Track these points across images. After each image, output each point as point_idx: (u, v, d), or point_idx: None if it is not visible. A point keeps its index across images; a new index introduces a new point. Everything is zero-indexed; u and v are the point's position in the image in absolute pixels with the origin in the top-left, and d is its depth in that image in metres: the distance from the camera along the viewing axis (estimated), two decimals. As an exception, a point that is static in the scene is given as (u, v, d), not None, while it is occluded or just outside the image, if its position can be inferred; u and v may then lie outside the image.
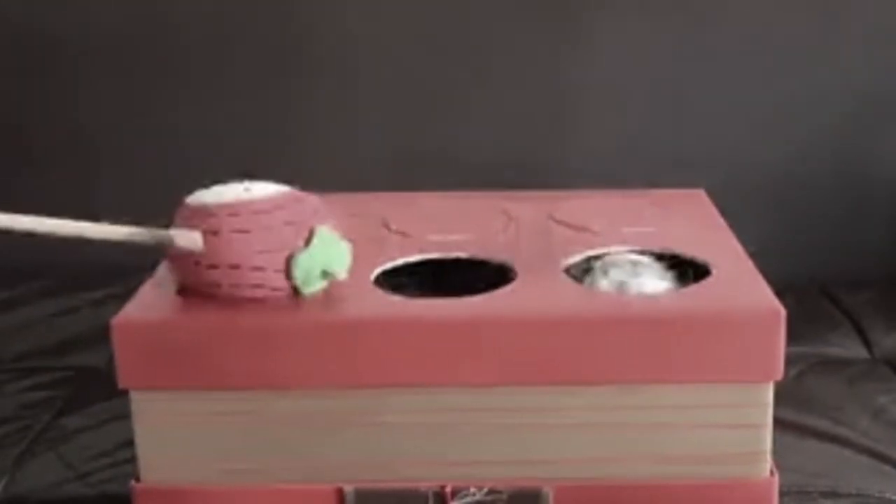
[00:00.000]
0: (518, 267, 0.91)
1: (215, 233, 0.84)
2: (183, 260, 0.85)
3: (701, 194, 1.10)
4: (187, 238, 0.84)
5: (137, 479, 0.86)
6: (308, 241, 0.85)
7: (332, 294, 0.87)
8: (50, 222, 0.83)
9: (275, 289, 0.85)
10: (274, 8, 1.50)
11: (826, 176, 1.50)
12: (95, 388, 1.19)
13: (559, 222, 1.01)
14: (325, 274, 0.86)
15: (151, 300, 0.88)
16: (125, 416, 0.86)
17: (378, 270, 0.92)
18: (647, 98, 1.49)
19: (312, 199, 0.88)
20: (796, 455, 1.04)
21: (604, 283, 0.88)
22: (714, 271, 0.89)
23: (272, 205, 0.85)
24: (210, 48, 1.50)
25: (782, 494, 0.86)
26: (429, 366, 0.83)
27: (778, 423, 0.85)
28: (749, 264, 0.91)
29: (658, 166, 1.43)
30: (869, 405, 1.17)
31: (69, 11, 1.49)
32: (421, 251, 0.96)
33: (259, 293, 0.85)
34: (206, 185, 0.87)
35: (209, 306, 0.86)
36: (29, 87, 1.51)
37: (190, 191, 0.87)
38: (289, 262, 0.84)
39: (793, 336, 0.83)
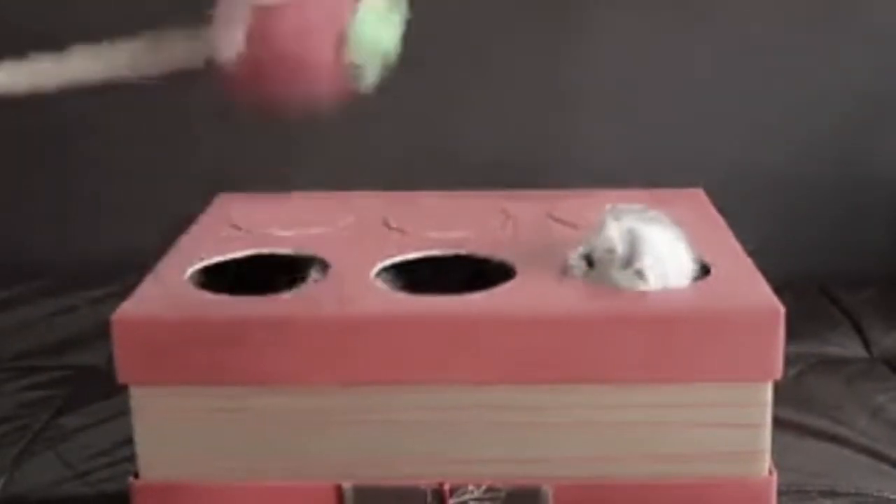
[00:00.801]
0: (517, 265, 0.91)
1: (254, 30, 0.76)
2: (228, 69, 0.77)
3: (700, 194, 1.10)
4: (227, 43, 0.76)
5: (136, 476, 0.86)
6: (355, 14, 0.78)
7: (331, 291, 0.87)
8: (56, 67, 0.76)
9: (331, 80, 0.78)
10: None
11: (825, 175, 1.50)
12: (94, 387, 1.19)
13: (558, 221, 1.01)
14: (378, 52, 0.79)
15: (151, 296, 0.88)
16: (124, 414, 0.87)
17: (378, 267, 0.92)
18: (647, 98, 1.49)
19: None
20: (795, 454, 1.04)
21: (613, 227, 0.87)
22: (713, 270, 0.89)
23: None
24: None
25: (781, 493, 0.86)
26: (428, 363, 0.83)
27: (777, 422, 0.85)
28: (748, 263, 0.91)
29: (657, 166, 1.43)
30: (868, 404, 1.17)
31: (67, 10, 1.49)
32: (420, 249, 0.96)
33: (315, 87, 0.78)
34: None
35: (209, 303, 0.86)
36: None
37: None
38: (340, 43, 0.77)
39: (792, 335, 0.83)
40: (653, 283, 0.86)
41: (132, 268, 0.96)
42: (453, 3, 1.49)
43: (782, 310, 0.82)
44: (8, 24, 1.49)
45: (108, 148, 1.53)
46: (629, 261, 0.86)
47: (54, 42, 1.46)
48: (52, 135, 1.48)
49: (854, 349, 1.31)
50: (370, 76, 0.80)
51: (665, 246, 0.87)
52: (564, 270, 0.89)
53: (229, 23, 0.78)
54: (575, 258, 0.89)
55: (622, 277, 0.86)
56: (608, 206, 0.90)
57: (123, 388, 0.85)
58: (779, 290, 0.85)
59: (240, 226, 1.02)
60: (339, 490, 0.85)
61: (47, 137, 1.50)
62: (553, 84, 1.50)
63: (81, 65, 0.78)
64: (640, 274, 0.86)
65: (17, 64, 0.76)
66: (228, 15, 0.78)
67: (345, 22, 0.78)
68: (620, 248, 0.87)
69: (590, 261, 0.88)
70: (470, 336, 0.82)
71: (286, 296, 0.86)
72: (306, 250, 0.95)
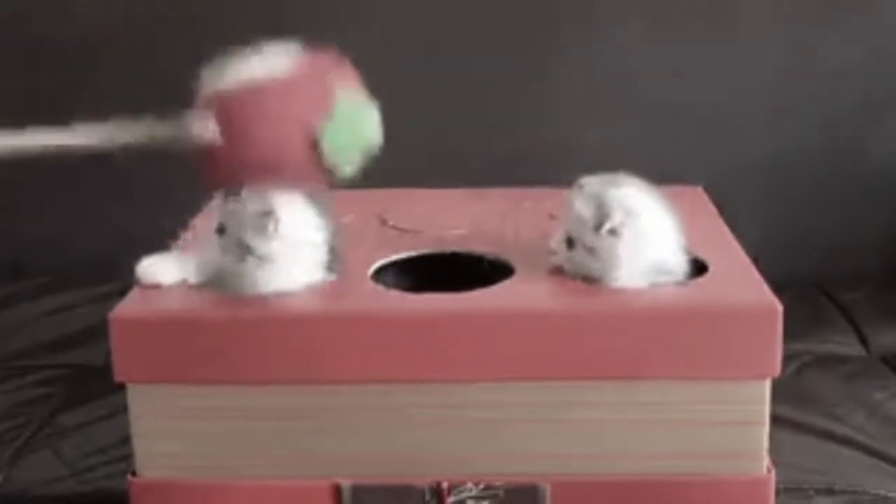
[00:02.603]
0: (515, 263, 0.91)
1: (230, 117, 0.78)
2: (203, 150, 0.79)
3: (699, 192, 1.10)
4: (204, 124, 0.78)
5: (134, 474, 0.86)
6: (332, 108, 0.79)
7: (329, 289, 0.87)
8: (51, 135, 0.78)
9: (304, 171, 0.79)
10: (274, 7, 1.50)
11: (823, 174, 1.50)
12: (92, 385, 1.19)
13: (557, 218, 1.01)
14: (356, 145, 0.80)
15: (149, 294, 0.87)
16: (121, 413, 0.86)
17: (375, 265, 0.92)
18: (646, 97, 1.49)
19: (330, 60, 0.81)
20: (793, 452, 1.04)
21: (579, 198, 0.86)
22: (711, 268, 0.89)
23: (287, 77, 0.78)
24: (212, 43, 1.50)
25: (778, 491, 0.86)
26: (426, 361, 0.83)
27: (774, 419, 0.85)
28: (746, 261, 0.91)
29: (656, 164, 1.43)
30: (865, 402, 1.17)
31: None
32: (418, 247, 0.96)
33: (287, 176, 0.79)
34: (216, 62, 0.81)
35: (207, 301, 0.86)
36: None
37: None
38: (315, 136, 0.78)
39: (790, 333, 0.83)
40: (628, 238, 0.85)
41: (130, 266, 0.96)
42: (455, 3, 1.49)
43: (780, 308, 0.82)
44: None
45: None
46: (599, 222, 0.85)
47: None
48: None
49: (852, 347, 1.31)
50: (349, 168, 0.81)
51: (637, 203, 0.86)
52: (551, 262, 0.88)
53: (205, 109, 0.79)
54: (555, 244, 0.88)
55: (598, 243, 0.85)
56: (574, 185, 0.89)
57: (121, 387, 0.85)
58: (777, 287, 0.85)
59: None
60: (337, 488, 0.85)
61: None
62: (553, 83, 1.50)
63: (69, 137, 0.79)
64: (613, 232, 0.85)
65: (13, 133, 0.78)
66: (205, 102, 0.79)
67: (319, 116, 0.78)
68: (588, 214, 0.85)
69: (569, 242, 0.87)
70: (468, 334, 0.82)
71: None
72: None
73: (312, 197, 0.85)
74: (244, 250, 0.83)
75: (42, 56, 1.49)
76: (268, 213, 0.82)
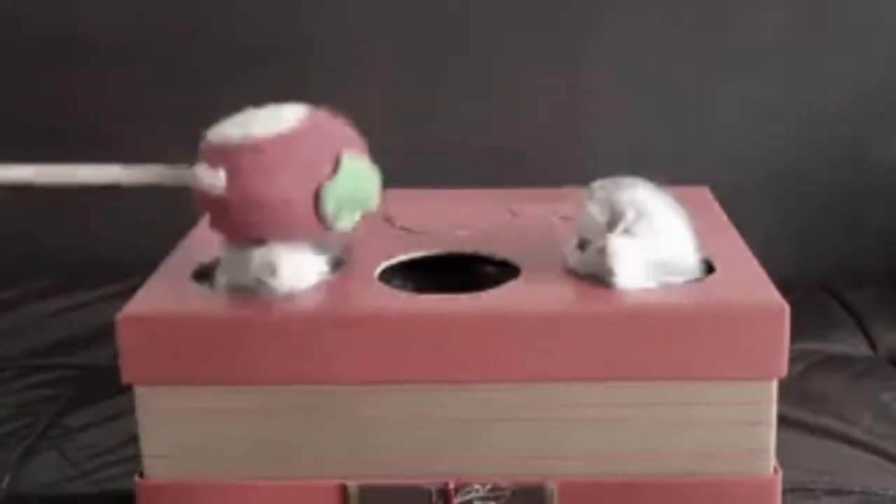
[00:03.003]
0: (522, 264, 0.91)
1: (237, 170, 0.79)
2: (209, 200, 0.81)
3: (705, 192, 1.10)
4: (210, 176, 0.80)
5: (141, 475, 0.87)
6: (335, 170, 0.81)
7: (336, 289, 0.87)
8: (65, 170, 0.80)
9: (306, 226, 0.81)
10: (282, 5, 1.50)
11: (830, 173, 1.49)
12: (99, 386, 1.19)
13: (564, 220, 1.01)
14: (355, 204, 0.82)
15: (157, 295, 0.88)
16: (128, 413, 0.87)
17: (382, 266, 0.92)
18: (652, 96, 1.49)
19: (337, 123, 0.83)
20: (800, 452, 1.03)
21: (591, 202, 0.87)
22: (718, 268, 0.89)
23: (294, 136, 0.80)
24: (218, 45, 1.50)
25: (786, 492, 0.86)
26: (433, 362, 0.83)
27: (782, 420, 0.85)
28: (753, 261, 0.91)
29: (662, 164, 1.43)
30: (872, 402, 1.16)
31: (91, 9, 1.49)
32: (425, 247, 0.96)
33: (290, 231, 0.82)
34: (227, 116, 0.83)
35: (214, 300, 0.86)
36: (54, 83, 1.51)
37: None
38: (317, 194, 0.80)
39: (796, 333, 0.83)
40: (643, 237, 0.85)
41: (137, 266, 0.96)
42: (464, 5, 1.49)
43: (787, 308, 0.82)
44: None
45: (113, 146, 1.53)
46: (612, 224, 0.85)
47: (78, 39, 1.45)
48: (56, 132, 1.48)
49: (859, 347, 1.31)
50: (346, 224, 0.83)
51: (650, 204, 0.86)
52: (563, 265, 0.89)
53: (213, 162, 0.81)
54: (569, 249, 0.88)
55: (610, 244, 0.85)
56: (586, 188, 0.89)
57: (129, 387, 0.86)
58: (784, 287, 0.85)
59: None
60: (343, 489, 0.85)
61: (52, 134, 1.50)
62: (559, 82, 1.50)
63: (77, 176, 0.82)
64: (627, 233, 0.85)
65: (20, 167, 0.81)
66: (214, 154, 0.81)
67: (325, 175, 0.81)
68: (600, 216, 0.86)
69: (581, 244, 0.87)
70: (475, 335, 0.82)
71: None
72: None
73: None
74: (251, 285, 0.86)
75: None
76: (269, 265, 0.84)
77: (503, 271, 0.91)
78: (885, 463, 1.06)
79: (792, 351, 0.83)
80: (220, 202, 0.81)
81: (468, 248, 0.96)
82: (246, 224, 0.82)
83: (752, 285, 0.86)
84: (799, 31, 1.48)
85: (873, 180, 1.50)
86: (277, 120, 0.82)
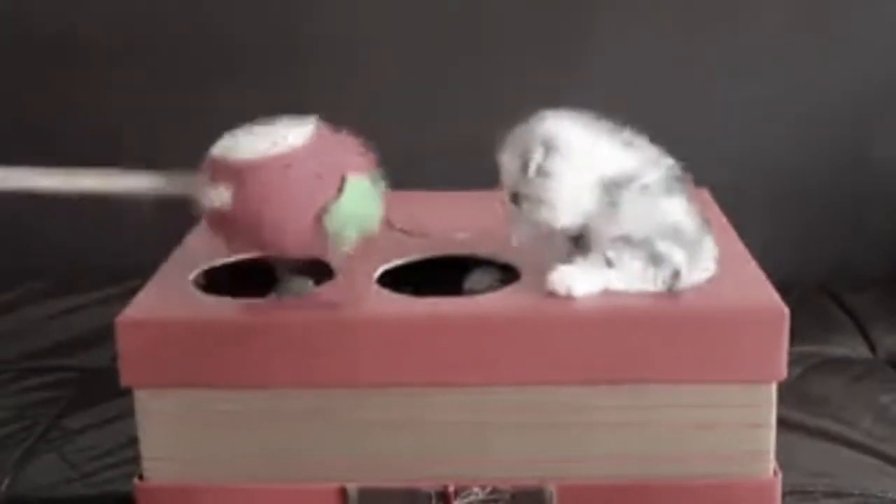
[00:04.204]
0: (522, 267, 0.91)
1: (242, 189, 0.79)
2: (213, 216, 0.82)
3: (705, 194, 1.10)
4: (216, 194, 0.80)
5: (141, 478, 0.87)
6: (340, 191, 0.80)
7: (335, 293, 0.87)
8: (70, 178, 0.80)
9: (306, 246, 0.81)
10: (282, 7, 1.50)
11: (830, 176, 1.49)
12: (98, 388, 1.19)
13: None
14: (357, 225, 0.82)
15: (156, 299, 0.88)
16: (128, 415, 0.87)
17: (382, 269, 0.92)
18: (652, 98, 1.49)
19: (344, 142, 0.83)
20: (799, 454, 1.04)
21: (506, 146, 0.85)
22: (718, 271, 0.89)
23: (300, 156, 0.80)
24: (218, 45, 1.50)
25: (785, 494, 0.86)
26: (433, 365, 0.83)
27: (781, 422, 0.85)
28: (753, 265, 0.91)
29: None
30: (872, 405, 1.16)
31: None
32: (425, 250, 0.96)
33: (290, 250, 0.82)
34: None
35: (213, 305, 0.86)
36: (55, 86, 1.51)
37: None
38: (320, 215, 0.80)
39: (796, 336, 0.83)
40: (559, 174, 0.82)
41: (135, 269, 0.96)
42: (463, 5, 1.49)
43: (786, 310, 0.82)
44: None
45: (113, 150, 1.53)
46: (525, 164, 0.82)
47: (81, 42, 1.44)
48: (57, 136, 1.48)
49: (858, 350, 1.31)
50: (346, 244, 0.82)
51: (562, 134, 0.83)
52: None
53: (218, 177, 0.81)
54: (504, 205, 0.86)
55: (527, 188, 0.83)
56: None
57: (128, 389, 0.85)
58: (783, 290, 0.85)
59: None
60: (343, 492, 0.85)
61: (52, 134, 1.50)
62: (559, 83, 1.50)
63: (85, 182, 0.82)
64: (540, 172, 0.82)
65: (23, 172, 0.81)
66: (220, 170, 0.81)
67: (329, 196, 0.80)
68: (515, 161, 0.83)
69: (514, 198, 0.85)
70: (475, 338, 0.82)
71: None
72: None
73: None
74: None
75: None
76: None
77: (503, 274, 0.91)
78: (884, 465, 1.06)
79: (791, 353, 0.83)
80: (225, 217, 0.81)
81: (467, 251, 0.96)
82: (248, 240, 0.82)
83: (752, 288, 0.86)
84: (799, 32, 1.48)
85: (873, 183, 1.50)
86: (283, 137, 0.81)
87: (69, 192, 0.81)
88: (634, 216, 0.83)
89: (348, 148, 0.83)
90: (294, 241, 0.81)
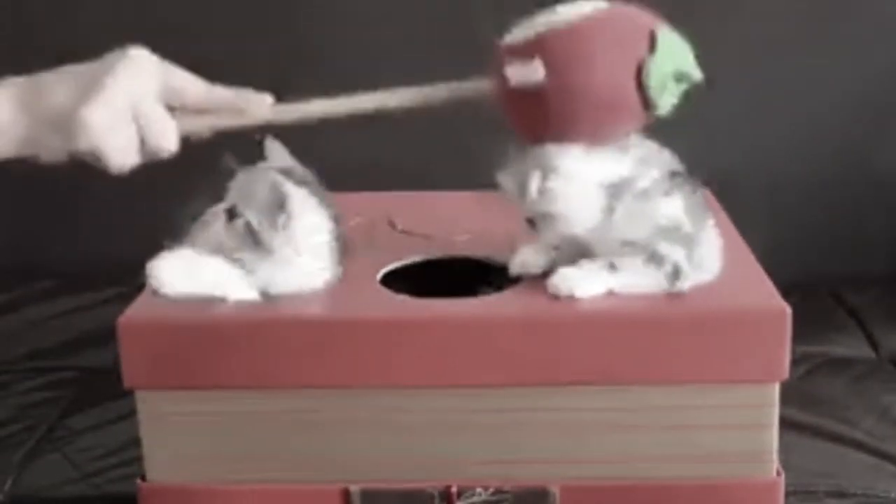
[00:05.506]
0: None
1: (557, 57, 0.77)
2: (518, 99, 0.79)
3: (707, 194, 1.09)
4: (525, 70, 0.78)
5: (143, 479, 0.87)
6: (652, 48, 0.79)
7: (338, 293, 0.87)
8: (367, 98, 0.81)
9: (631, 109, 0.79)
10: (282, 8, 1.50)
11: (832, 176, 1.49)
12: (101, 389, 1.19)
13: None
14: (679, 78, 0.80)
15: (158, 300, 0.87)
16: (130, 416, 0.87)
17: (384, 270, 0.92)
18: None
19: (638, 8, 0.81)
20: (802, 455, 1.04)
21: (504, 173, 0.85)
22: (720, 271, 0.89)
23: (605, 17, 0.79)
24: (219, 45, 1.50)
25: (788, 494, 0.86)
26: (435, 366, 0.83)
27: (784, 423, 0.85)
28: (755, 265, 0.91)
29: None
30: (874, 405, 1.16)
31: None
32: (426, 251, 0.96)
33: (615, 115, 0.80)
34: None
35: (215, 306, 0.86)
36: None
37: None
38: (640, 71, 0.78)
39: (798, 336, 0.83)
40: (560, 187, 0.82)
41: (137, 269, 0.96)
42: (464, 4, 1.49)
43: (789, 311, 0.82)
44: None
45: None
46: (524, 189, 0.82)
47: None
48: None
49: (860, 350, 1.31)
50: (670, 100, 0.81)
51: (556, 156, 0.82)
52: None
53: (525, 55, 0.79)
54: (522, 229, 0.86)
55: (535, 208, 0.83)
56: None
57: (130, 390, 0.85)
58: (785, 291, 0.85)
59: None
60: (346, 493, 0.85)
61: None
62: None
63: (384, 100, 0.83)
64: (541, 191, 0.82)
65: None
66: (524, 48, 0.79)
67: (643, 52, 0.79)
68: (513, 184, 0.83)
69: (530, 222, 0.85)
70: (477, 339, 0.82)
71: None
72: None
73: (322, 196, 0.87)
74: (252, 238, 0.84)
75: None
76: (281, 207, 0.83)
77: (504, 276, 0.91)
78: (886, 465, 1.06)
79: (794, 354, 0.83)
80: (535, 97, 0.79)
81: (469, 252, 0.96)
82: (565, 114, 0.79)
83: (754, 288, 0.86)
84: (800, 34, 1.48)
85: (876, 182, 1.50)
86: (581, 6, 0.80)
87: (373, 110, 0.81)
88: (633, 221, 0.83)
89: (643, 12, 0.81)
90: (618, 106, 0.79)
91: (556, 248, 0.87)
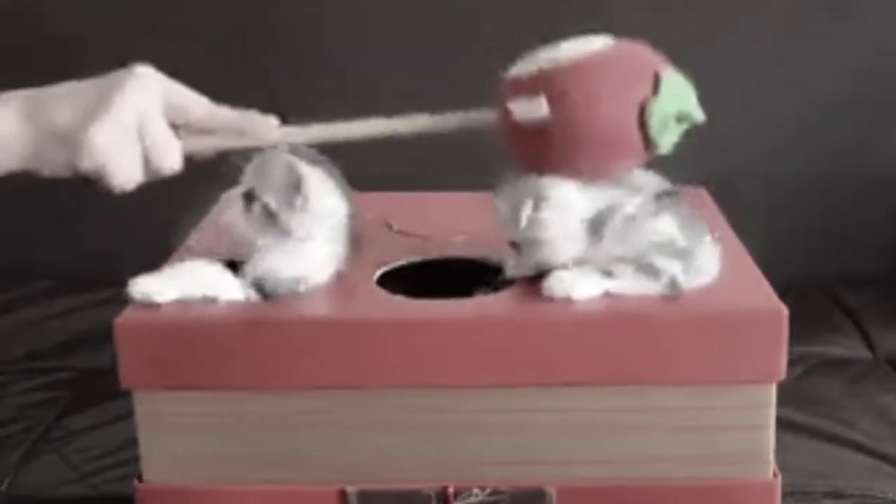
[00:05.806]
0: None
1: (561, 94, 0.78)
2: (523, 133, 0.80)
3: (703, 193, 1.10)
4: (530, 106, 0.79)
5: (140, 479, 0.87)
6: (656, 88, 0.79)
7: (335, 294, 0.87)
8: (374, 125, 0.82)
9: (632, 148, 0.80)
10: (287, 6, 1.51)
11: (829, 177, 1.49)
12: (98, 389, 1.19)
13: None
14: (681, 118, 0.81)
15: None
16: (127, 416, 0.87)
17: (381, 271, 0.92)
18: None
19: (645, 47, 0.82)
20: (799, 455, 1.04)
21: (498, 198, 0.85)
22: (717, 272, 0.89)
23: (611, 56, 0.80)
24: (219, 45, 1.50)
25: (785, 495, 0.86)
26: (431, 366, 0.83)
27: (780, 423, 0.85)
28: (751, 265, 0.91)
29: (661, 165, 1.43)
30: (871, 405, 1.17)
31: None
32: (423, 252, 0.96)
33: (616, 153, 0.80)
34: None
35: (212, 307, 0.86)
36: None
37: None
38: (642, 111, 0.79)
39: (795, 337, 0.83)
40: (550, 217, 0.82)
41: (134, 270, 0.96)
42: (464, 3, 1.49)
43: (785, 311, 0.82)
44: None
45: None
46: (516, 216, 0.83)
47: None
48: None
49: (857, 350, 1.31)
50: (671, 140, 0.81)
51: (548, 186, 0.83)
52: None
53: (530, 91, 0.80)
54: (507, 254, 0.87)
55: (522, 235, 0.83)
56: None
57: (127, 391, 0.85)
58: (782, 291, 0.85)
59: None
60: (343, 494, 0.85)
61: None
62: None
63: (391, 127, 0.85)
64: (533, 221, 0.83)
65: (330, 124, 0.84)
66: (528, 83, 0.80)
67: (646, 93, 0.79)
68: (506, 211, 0.84)
69: (514, 245, 0.86)
70: (474, 339, 0.82)
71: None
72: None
73: (336, 177, 0.87)
74: (270, 219, 0.84)
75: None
76: (297, 187, 0.83)
77: (501, 276, 0.91)
78: (883, 466, 1.06)
79: (790, 354, 0.83)
80: (537, 132, 0.79)
81: (466, 253, 0.96)
82: (567, 150, 0.80)
83: (751, 289, 0.86)
84: (798, 34, 1.48)
85: (872, 183, 1.50)
86: (587, 44, 0.81)
87: (380, 136, 0.83)
88: (623, 241, 0.83)
89: (651, 51, 0.82)
90: (619, 145, 0.80)
91: None
